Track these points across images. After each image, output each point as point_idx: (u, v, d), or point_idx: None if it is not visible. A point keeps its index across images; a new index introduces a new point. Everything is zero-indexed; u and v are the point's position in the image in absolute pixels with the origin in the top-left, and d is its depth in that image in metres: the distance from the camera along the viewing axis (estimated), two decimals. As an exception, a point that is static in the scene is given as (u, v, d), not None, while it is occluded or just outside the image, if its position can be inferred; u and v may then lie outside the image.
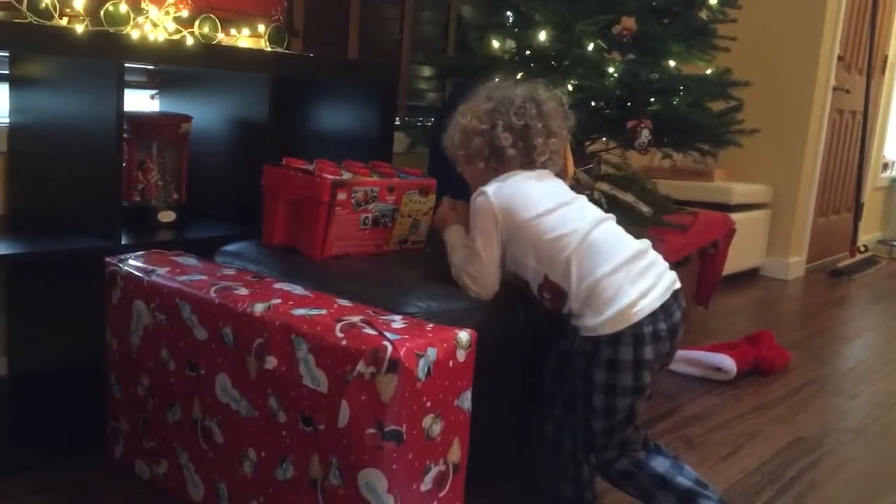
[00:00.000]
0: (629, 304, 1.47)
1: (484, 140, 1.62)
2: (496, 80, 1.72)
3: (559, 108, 1.66)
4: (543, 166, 1.64)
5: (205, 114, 2.20)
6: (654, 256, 1.55)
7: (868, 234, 5.48)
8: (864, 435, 2.26)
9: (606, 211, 2.61)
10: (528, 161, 1.62)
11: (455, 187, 1.74)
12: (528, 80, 1.72)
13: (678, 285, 1.55)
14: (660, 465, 1.54)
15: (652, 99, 2.67)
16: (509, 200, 1.56)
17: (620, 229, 1.59)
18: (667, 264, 1.57)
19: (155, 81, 2.34)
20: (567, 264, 1.51)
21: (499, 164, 1.63)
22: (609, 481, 1.59)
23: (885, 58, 5.20)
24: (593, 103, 2.64)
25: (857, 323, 3.72)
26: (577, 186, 2.53)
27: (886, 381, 2.78)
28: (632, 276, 1.49)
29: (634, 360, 1.48)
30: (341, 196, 1.69)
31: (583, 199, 1.63)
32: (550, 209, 1.55)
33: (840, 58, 4.46)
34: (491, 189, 1.58)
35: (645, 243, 1.57)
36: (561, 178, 1.71)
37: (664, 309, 1.49)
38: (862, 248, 5.07)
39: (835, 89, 4.45)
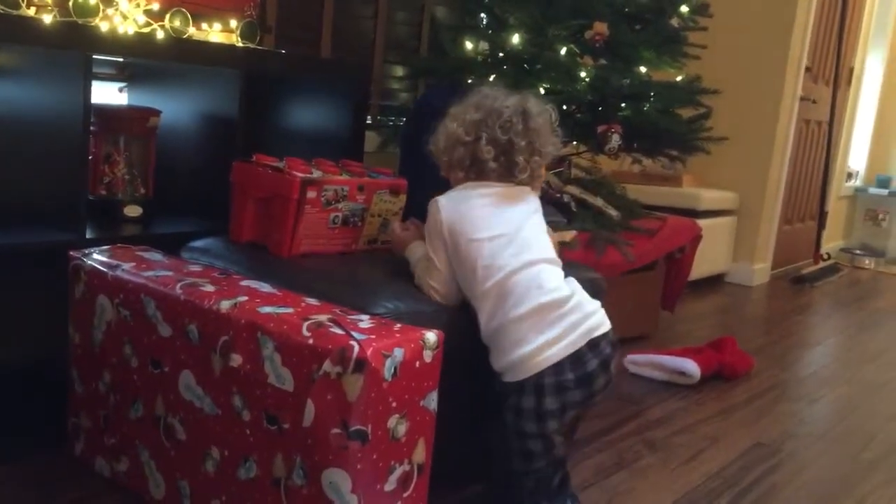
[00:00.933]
0: (531, 353, 1.46)
1: (466, 151, 1.61)
2: (487, 88, 1.68)
3: (548, 125, 1.64)
4: (522, 183, 1.63)
5: (174, 108, 2.17)
6: (575, 303, 1.50)
7: (831, 243, 5.57)
8: (823, 440, 2.30)
9: (575, 214, 2.65)
10: (508, 176, 1.62)
11: (425, 187, 1.74)
12: (520, 91, 1.68)
13: (601, 331, 1.51)
14: None
15: (623, 104, 2.69)
16: (457, 214, 1.57)
17: (550, 274, 1.53)
18: (595, 308, 1.53)
19: (124, 74, 2.32)
20: (483, 298, 1.52)
21: (478, 176, 1.62)
22: None
23: (851, 70, 5.30)
24: (565, 107, 2.66)
25: (819, 330, 3.78)
26: (547, 189, 2.54)
27: (847, 386, 2.83)
28: (541, 325, 1.47)
29: (536, 409, 1.48)
30: (311, 194, 1.68)
31: (531, 234, 1.58)
32: (489, 237, 1.54)
33: (807, 69, 4.53)
34: (443, 199, 1.59)
35: (571, 288, 1.52)
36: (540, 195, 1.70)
37: (575, 358, 1.47)
38: (825, 256, 5.15)
39: (802, 99, 4.52)
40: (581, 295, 1.54)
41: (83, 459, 1.70)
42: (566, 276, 1.58)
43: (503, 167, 1.61)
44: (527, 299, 1.48)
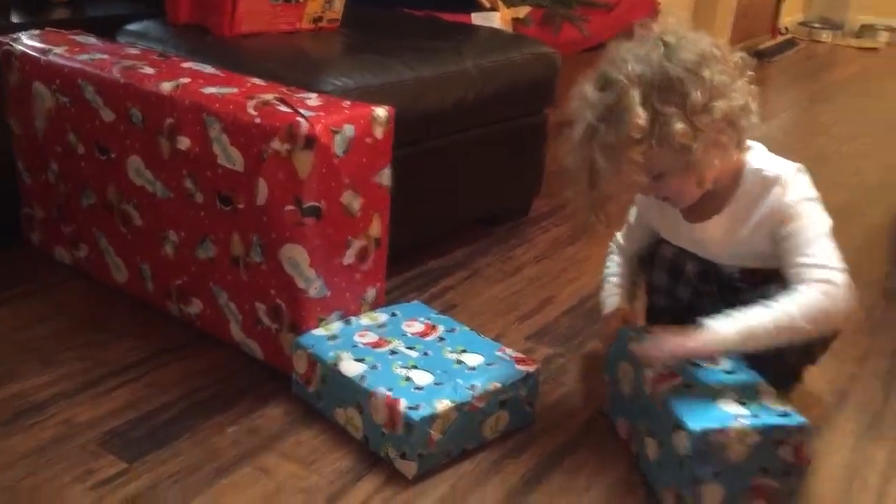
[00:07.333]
0: None
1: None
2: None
3: None
4: None
5: None
6: None
7: (790, 16, 5.48)
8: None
9: (530, -12, 2.53)
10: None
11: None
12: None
13: None
14: None
15: None
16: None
17: None
18: None
19: None
20: None
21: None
22: None
23: None
24: None
25: (774, 104, 3.80)
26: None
27: (797, 157, 2.88)
28: None
29: None
30: (248, -33, 1.59)
31: None
32: None
33: None
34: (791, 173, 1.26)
35: None
36: None
37: None
38: (783, 31, 5.08)
39: None
40: None
41: (42, 249, 1.70)
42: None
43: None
44: None
